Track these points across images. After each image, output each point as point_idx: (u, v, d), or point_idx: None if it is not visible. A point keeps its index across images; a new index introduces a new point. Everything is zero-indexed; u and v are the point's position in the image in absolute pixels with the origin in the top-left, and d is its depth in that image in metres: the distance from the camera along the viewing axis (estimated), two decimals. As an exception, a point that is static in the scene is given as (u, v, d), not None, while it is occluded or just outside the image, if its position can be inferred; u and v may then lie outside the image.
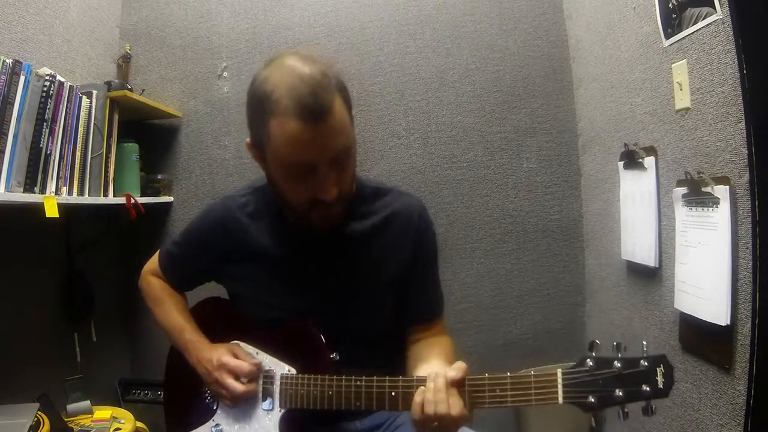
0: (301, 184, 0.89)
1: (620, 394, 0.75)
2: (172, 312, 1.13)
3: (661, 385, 0.75)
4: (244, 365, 0.97)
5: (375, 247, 1.05)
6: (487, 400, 0.82)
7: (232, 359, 0.98)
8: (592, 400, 0.76)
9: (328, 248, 1.04)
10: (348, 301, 1.04)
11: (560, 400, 0.77)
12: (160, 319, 1.14)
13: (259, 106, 0.87)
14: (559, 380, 0.77)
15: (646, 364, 0.76)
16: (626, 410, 0.76)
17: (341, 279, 1.04)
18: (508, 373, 0.81)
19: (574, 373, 0.77)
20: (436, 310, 1.13)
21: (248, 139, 0.95)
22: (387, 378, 0.89)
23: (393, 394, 0.88)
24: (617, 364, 0.76)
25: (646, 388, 0.75)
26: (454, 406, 0.81)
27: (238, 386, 0.96)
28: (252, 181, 1.13)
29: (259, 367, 0.99)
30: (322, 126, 0.83)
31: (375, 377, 0.89)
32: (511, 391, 0.80)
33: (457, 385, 0.83)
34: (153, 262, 1.20)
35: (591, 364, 0.77)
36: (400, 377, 0.89)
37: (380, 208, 1.07)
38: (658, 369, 0.75)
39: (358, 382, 0.90)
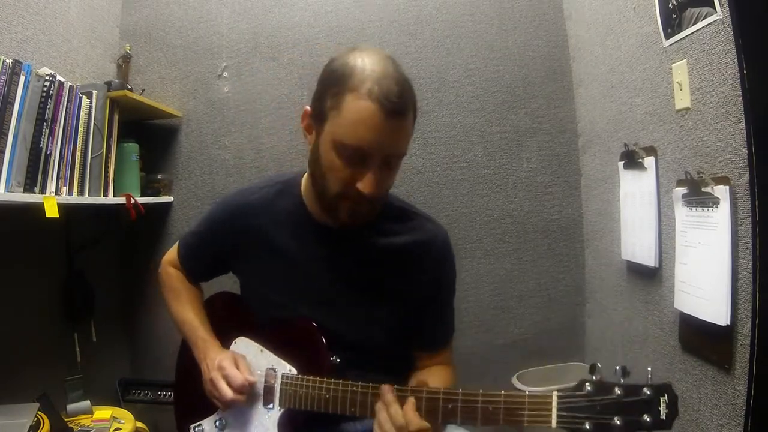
0: (347, 167, 0.89)
1: (619, 422, 0.70)
2: (187, 307, 1.15)
3: (663, 416, 0.70)
4: (238, 376, 0.97)
5: (391, 266, 1.04)
6: (479, 417, 0.80)
7: (231, 367, 0.99)
8: (588, 427, 0.71)
9: (345, 255, 1.04)
10: (353, 309, 1.03)
11: (554, 424, 0.73)
12: (174, 312, 1.16)
13: (339, 77, 0.88)
14: (554, 403, 0.74)
15: (649, 392, 0.71)
16: None
17: (350, 287, 1.04)
18: (503, 392, 0.79)
19: (571, 397, 0.73)
20: (440, 340, 1.12)
21: (307, 107, 0.96)
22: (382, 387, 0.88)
23: None
24: (618, 390, 0.72)
25: (647, 418, 0.70)
26: (411, 423, 0.81)
27: (228, 392, 0.96)
28: (275, 175, 1.13)
29: (252, 384, 0.99)
30: (394, 122, 0.86)
31: (370, 385, 0.89)
32: (505, 410, 0.78)
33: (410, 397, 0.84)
34: (172, 253, 1.22)
35: (590, 388, 0.73)
36: (395, 386, 0.87)
37: (404, 230, 1.05)
38: (661, 398, 0.70)
39: (354, 389, 0.90)
